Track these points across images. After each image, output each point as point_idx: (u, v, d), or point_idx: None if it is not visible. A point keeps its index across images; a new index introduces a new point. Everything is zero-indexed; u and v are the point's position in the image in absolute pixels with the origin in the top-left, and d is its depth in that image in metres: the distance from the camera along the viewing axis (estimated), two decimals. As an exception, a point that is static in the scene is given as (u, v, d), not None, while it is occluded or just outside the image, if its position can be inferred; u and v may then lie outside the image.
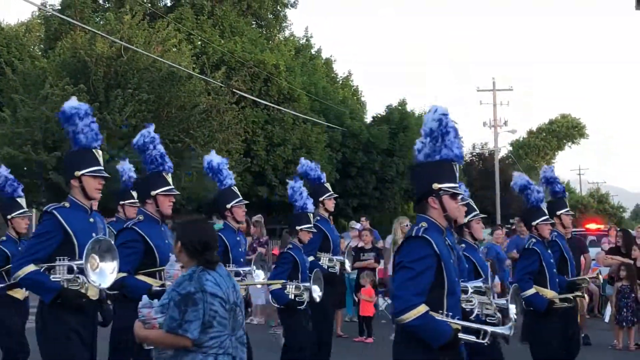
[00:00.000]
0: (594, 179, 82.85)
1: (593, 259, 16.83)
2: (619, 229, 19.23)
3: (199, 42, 36.02)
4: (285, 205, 37.03)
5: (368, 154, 38.28)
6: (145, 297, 5.32)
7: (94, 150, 6.85)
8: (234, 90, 31.84)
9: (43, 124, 26.17)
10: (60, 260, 6.44)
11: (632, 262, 14.89)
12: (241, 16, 40.62)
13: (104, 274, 6.43)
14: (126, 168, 11.47)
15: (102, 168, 6.89)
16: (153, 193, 7.75)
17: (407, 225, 15.41)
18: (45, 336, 6.45)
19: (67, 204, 6.70)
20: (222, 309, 5.06)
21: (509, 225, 31.97)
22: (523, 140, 73.12)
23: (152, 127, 8.15)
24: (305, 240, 9.80)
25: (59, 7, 35.23)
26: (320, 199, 11.03)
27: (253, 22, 43.04)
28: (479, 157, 57.69)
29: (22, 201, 9.53)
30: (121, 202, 11.12)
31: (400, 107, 42.10)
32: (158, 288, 7.27)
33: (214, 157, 9.77)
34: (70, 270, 6.44)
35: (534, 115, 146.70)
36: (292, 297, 9.37)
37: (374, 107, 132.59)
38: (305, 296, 9.43)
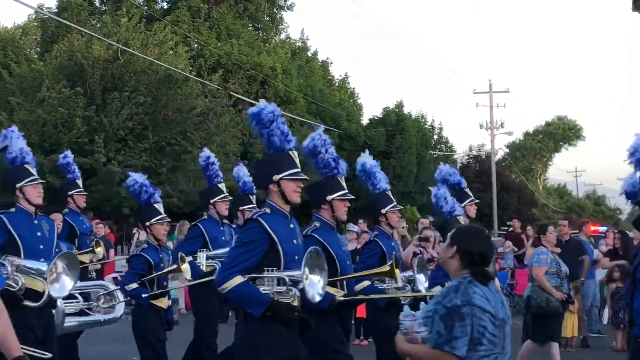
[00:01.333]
0: (590, 181, 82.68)
1: (596, 261, 16.84)
2: (616, 230, 19.22)
3: (196, 45, 36.02)
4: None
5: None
6: (407, 308, 4.93)
7: (289, 152, 6.41)
8: (230, 92, 31.85)
9: (40, 127, 26.18)
10: (268, 271, 6.05)
11: (628, 263, 14.87)
12: (238, 19, 40.62)
13: (314, 285, 6.08)
14: (241, 173, 11.24)
15: (300, 170, 6.39)
16: (329, 198, 7.36)
17: (403, 227, 15.44)
18: (250, 349, 6.05)
19: (268, 210, 6.23)
20: (492, 325, 4.63)
21: (505, 228, 31.99)
22: (519, 142, 73.14)
23: (321, 129, 7.63)
24: None
25: (56, 10, 35.21)
26: (462, 205, 10.59)
27: (250, 25, 43.03)
28: (475, 159, 57.67)
29: (160, 207, 9.26)
30: (241, 208, 10.79)
31: (396, 109, 42.12)
32: (341, 298, 7.05)
33: (367, 159, 9.11)
34: (280, 281, 6.05)
35: (530, 117, 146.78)
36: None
37: (371, 109, 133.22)
38: None
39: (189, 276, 9.07)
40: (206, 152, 11.06)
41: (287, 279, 6.04)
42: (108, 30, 28.93)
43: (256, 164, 6.82)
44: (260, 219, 6.11)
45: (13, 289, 7.54)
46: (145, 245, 9.13)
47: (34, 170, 8.41)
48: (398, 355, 8.54)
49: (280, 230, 6.15)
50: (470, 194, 11.08)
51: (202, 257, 9.76)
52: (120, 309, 8.65)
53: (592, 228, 27.65)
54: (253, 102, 33.31)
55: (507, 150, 67.15)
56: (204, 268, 9.68)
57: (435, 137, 50.71)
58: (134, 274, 8.94)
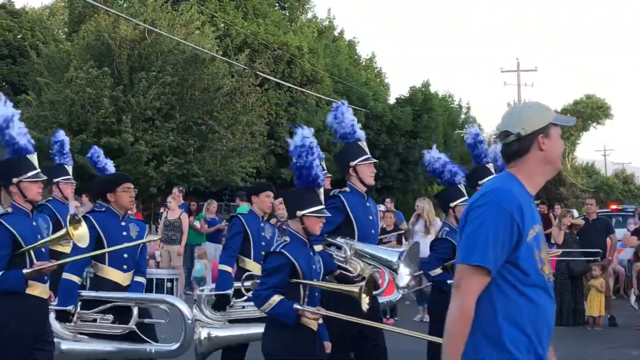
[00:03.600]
0: (619, 160, 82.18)
1: (619, 240, 16.79)
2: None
3: (222, 25, 36.00)
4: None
5: (391, 136, 38.20)
6: None
7: None
8: (257, 72, 31.85)
9: (68, 107, 26.35)
10: None
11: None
12: (264, -2, 40.55)
13: None
14: (498, 151, 10.52)
15: None
16: None
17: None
18: None
19: None
20: None
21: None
22: (547, 121, 72.70)
23: None
24: None
25: (83, -10, 35.32)
26: None
27: (276, 4, 42.94)
28: (503, 138, 57.43)
29: (462, 187, 8.72)
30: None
31: (423, 89, 41.95)
32: None
33: None
34: None
35: (558, 95, 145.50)
36: None
37: (398, 88, 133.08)
38: None
39: None
40: (474, 128, 10.13)
41: None
42: (135, 10, 29.00)
43: None
44: None
45: (351, 274, 7.22)
46: (447, 229, 8.58)
47: (366, 148, 7.86)
48: None
49: None
50: None
51: None
52: None
53: (613, 207, 27.53)
54: (280, 81, 33.42)
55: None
56: None
57: (463, 116, 50.48)
58: (438, 258, 8.47)
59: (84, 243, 6.92)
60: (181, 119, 27.36)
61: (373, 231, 7.61)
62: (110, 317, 7.41)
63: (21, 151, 6.70)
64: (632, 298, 16.32)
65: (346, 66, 39.99)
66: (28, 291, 6.58)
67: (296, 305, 6.21)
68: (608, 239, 15.62)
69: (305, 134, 6.67)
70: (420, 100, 40.56)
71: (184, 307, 7.48)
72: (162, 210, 20.76)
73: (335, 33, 45.39)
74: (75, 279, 7.33)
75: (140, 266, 7.78)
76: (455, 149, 43.50)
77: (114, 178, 8.08)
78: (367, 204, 7.62)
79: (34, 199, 6.74)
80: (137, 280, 7.71)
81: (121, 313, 7.47)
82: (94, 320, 7.42)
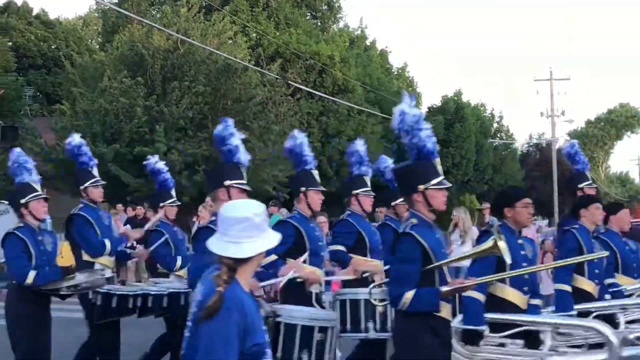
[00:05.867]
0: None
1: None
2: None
3: (254, 34, 36.16)
4: (342, 197, 37.09)
5: (423, 145, 38.13)
6: None
7: None
8: (289, 82, 31.93)
9: (102, 117, 26.55)
10: None
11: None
12: (296, 7, 40.67)
13: None
14: None
15: None
16: None
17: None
18: None
19: None
20: None
21: (567, 216, 31.59)
22: (581, 130, 72.36)
23: None
24: None
25: (116, 1, 35.63)
26: None
27: (308, 14, 43.06)
28: (536, 147, 57.15)
29: None
30: None
31: (455, 98, 41.89)
32: None
33: None
34: None
35: (592, 104, 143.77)
36: None
37: (430, 97, 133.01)
38: None
39: None
40: None
41: None
42: (168, 20, 29.20)
43: None
44: None
45: None
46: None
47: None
48: None
49: None
50: None
51: None
52: None
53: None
54: (311, 91, 33.47)
55: (568, 138, 66.52)
56: None
57: (495, 125, 50.31)
58: None
59: (508, 257, 6.14)
60: (214, 129, 27.51)
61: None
62: (520, 342, 6.56)
63: (429, 155, 6.26)
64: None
65: (378, 75, 39.99)
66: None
67: None
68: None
69: None
70: (452, 109, 40.53)
71: (612, 336, 6.28)
72: (194, 219, 20.81)
73: (367, 42, 45.44)
74: (481, 297, 6.56)
75: (535, 287, 7.01)
76: (487, 158, 43.36)
77: (515, 193, 7.32)
78: None
79: (439, 208, 6.21)
80: (534, 303, 6.96)
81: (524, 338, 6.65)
82: (501, 345, 6.58)
